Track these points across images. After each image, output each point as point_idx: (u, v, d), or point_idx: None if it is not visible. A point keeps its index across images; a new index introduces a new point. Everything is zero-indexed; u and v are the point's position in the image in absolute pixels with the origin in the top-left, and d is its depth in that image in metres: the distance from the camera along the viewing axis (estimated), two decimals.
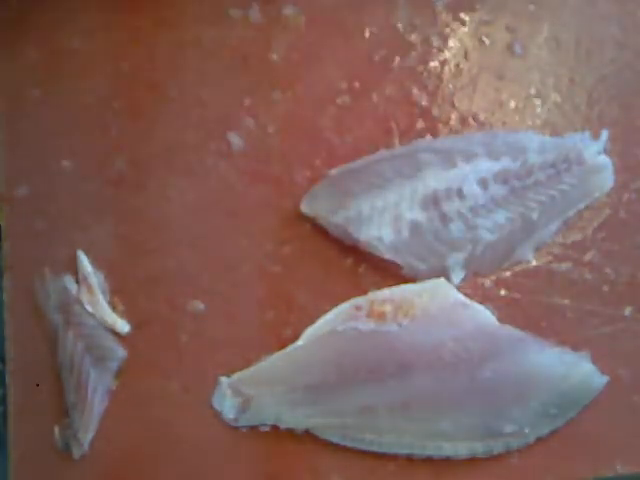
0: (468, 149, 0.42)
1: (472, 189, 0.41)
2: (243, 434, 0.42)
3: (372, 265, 0.43)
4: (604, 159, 0.43)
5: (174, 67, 0.45)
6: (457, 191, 0.41)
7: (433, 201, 0.41)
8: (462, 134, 0.44)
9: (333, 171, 0.43)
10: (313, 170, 0.44)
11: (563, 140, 0.43)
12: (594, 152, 0.43)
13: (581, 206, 0.43)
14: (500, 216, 0.42)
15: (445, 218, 0.41)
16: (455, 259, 0.41)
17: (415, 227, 0.41)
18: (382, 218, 0.41)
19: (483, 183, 0.42)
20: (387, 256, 0.41)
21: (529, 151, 0.42)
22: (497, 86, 0.45)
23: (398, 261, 0.41)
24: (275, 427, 0.41)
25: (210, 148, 0.44)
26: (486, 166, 0.42)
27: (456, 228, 0.41)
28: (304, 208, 0.42)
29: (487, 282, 0.43)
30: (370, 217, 0.41)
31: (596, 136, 0.44)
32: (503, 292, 0.43)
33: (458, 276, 0.42)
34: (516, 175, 0.42)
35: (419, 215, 0.41)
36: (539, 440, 0.40)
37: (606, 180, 0.43)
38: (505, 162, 0.42)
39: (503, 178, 0.42)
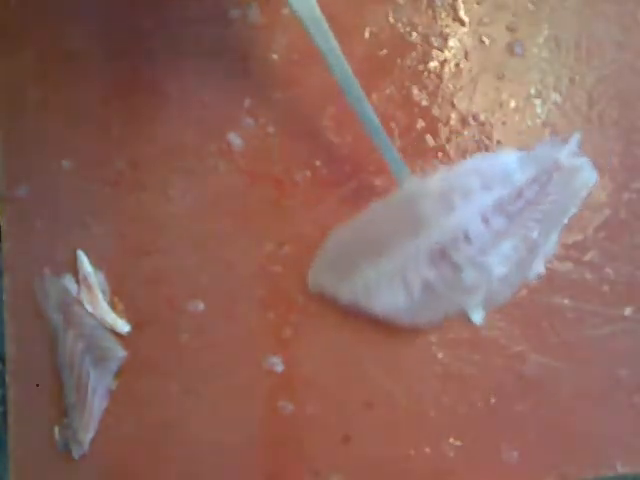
0: (464, 184, 0.41)
1: (478, 230, 0.40)
2: (243, 434, 0.42)
3: None
4: (579, 159, 0.43)
5: (174, 67, 0.45)
6: (464, 237, 0.40)
7: (441, 255, 0.40)
8: (453, 165, 0.43)
9: (330, 240, 0.42)
10: (313, 170, 0.44)
11: (536, 152, 0.43)
12: (568, 155, 0.43)
13: (574, 210, 0.43)
14: (505, 247, 0.41)
15: (456, 268, 0.40)
16: (472, 302, 0.41)
17: (427, 285, 0.40)
18: (391, 284, 0.40)
19: (484, 220, 0.41)
20: (404, 322, 0.41)
21: (513, 172, 0.42)
22: (497, 86, 0.45)
23: (415, 323, 0.41)
24: (275, 427, 0.41)
25: (210, 148, 0.44)
26: (484, 200, 0.41)
27: (469, 274, 0.40)
28: (311, 285, 0.42)
29: None
30: (378, 286, 0.40)
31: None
32: None
33: (479, 316, 0.41)
34: (509, 201, 0.41)
35: (429, 272, 0.40)
36: (539, 439, 0.40)
37: (588, 177, 0.43)
38: (497, 191, 0.41)
39: (499, 208, 0.41)
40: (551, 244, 0.42)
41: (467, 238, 0.40)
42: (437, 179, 0.42)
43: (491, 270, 0.40)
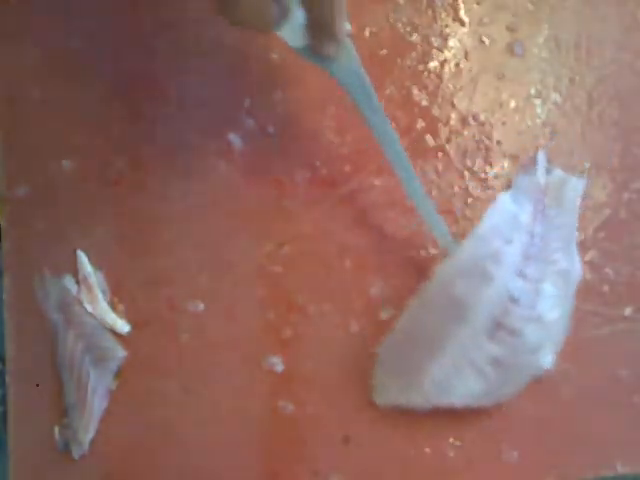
0: (491, 249, 0.40)
1: (520, 287, 0.40)
2: (243, 434, 0.42)
3: (373, 264, 0.43)
4: (556, 173, 0.43)
5: (174, 67, 0.45)
6: (509, 300, 0.39)
7: (496, 327, 0.39)
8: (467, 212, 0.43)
9: (382, 351, 0.41)
10: (313, 170, 0.44)
11: (519, 183, 0.43)
12: (544, 175, 0.43)
13: (577, 219, 0.43)
14: (547, 289, 0.40)
15: (515, 333, 0.39)
16: (544, 356, 0.40)
17: (496, 361, 0.39)
18: (461, 374, 0.39)
19: (521, 275, 0.40)
20: (487, 405, 0.40)
21: (518, 215, 0.41)
22: (497, 86, 0.45)
23: (500, 401, 0.40)
24: (275, 427, 0.41)
25: (210, 148, 0.44)
26: (512, 256, 0.40)
27: (530, 333, 0.39)
28: (378, 401, 0.41)
29: None
30: (449, 380, 0.39)
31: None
32: None
33: (549, 361, 0.40)
34: (529, 245, 0.41)
35: (493, 348, 0.39)
36: (539, 439, 0.40)
37: (575, 184, 0.43)
38: (517, 239, 0.41)
39: (527, 257, 0.40)
40: (577, 262, 0.42)
41: (513, 299, 0.39)
42: (464, 253, 0.40)
43: (546, 318, 0.40)
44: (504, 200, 0.42)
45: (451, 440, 0.41)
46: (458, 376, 0.39)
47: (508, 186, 0.44)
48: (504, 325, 0.39)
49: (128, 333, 0.43)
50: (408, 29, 0.45)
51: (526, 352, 0.39)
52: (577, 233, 0.43)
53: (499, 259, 0.40)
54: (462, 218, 0.43)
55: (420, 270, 0.43)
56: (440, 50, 0.45)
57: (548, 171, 0.43)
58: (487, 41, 0.45)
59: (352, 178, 0.44)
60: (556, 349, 0.41)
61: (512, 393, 0.40)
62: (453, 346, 0.39)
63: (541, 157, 0.43)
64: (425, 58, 0.45)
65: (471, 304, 0.39)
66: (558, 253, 0.41)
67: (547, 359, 0.40)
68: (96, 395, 0.41)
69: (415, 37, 0.45)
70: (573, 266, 0.42)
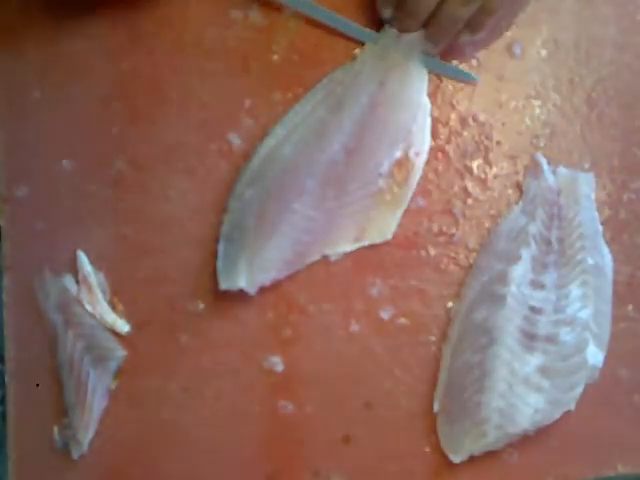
0: (492, 273, 0.41)
1: (540, 298, 0.40)
2: (243, 434, 0.42)
3: (373, 264, 0.43)
4: (561, 171, 0.43)
5: (174, 67, 0.45)
6: (533, 312, 0.40)
7: (531, 339, 0.40)
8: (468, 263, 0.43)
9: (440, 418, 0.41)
10: None
11: (529, 191, 0.43)
12: (548, 179, 0.43)
13: (598, 215, 0.43)
14: (574, 291, 0.41)
15: (552, 338, 0.40)
16: (590, 353, 0.40)
17: (543, 369, 0.39)
18: (518, 394, 0.39)
19: (533, 284, 0.41)
20: (551, 418, 0.40)
21: (528, 228, 0.42)
22: (497, 87, 0.45)
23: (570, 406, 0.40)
24: (275, 426, 0.41)
25: (211, 149, 0.44)
26: (519, 273, 0.41)
27: (566, 335, 0.40)
28: (455, 460, 0.40)
29: None
30: (510, 404, 0.39)
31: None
32: None
33: (599, 359, 0.40)
34: (545, 254, 0.41)
35: (535, 359, 0.40)
36: (539, 439, 0.40)
37: (587, 180, 0.43)
38: (526, 254, 0.41)
39: (543, 265, 0.41)
40: (608, 255, 0.42)
41: (535, 310, 0.40)
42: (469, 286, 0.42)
43: (580, 318, 0.40)
44: (513, 216, 0.42)
45: None
46: (517, 397, 0.39)
47: (507, 186, 0.44)
48: (536, 335, 0.40)
49: (128, 333, 0.43)
50: None
51: (570, 354, 0.40)
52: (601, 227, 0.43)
53: (505, 280, 0.40)
54: (462, 218, 0.43)
55: (420, 270, 0.43)
56: None
57: (551, 171, 0.43)
58: None
59: None
60: (602, 346, 0.41)
61: (573, 399, 0.40)
62: (502, 369, 0.39)
63: (541, 159, 0.43)
64: None
65: (495, 326, 0.40)
66: (583, 252, 0.41)
67: (596, 357, 0.40)
68: (96, 395, 0.41)
69: None
70: (603, 260, 0.42)
